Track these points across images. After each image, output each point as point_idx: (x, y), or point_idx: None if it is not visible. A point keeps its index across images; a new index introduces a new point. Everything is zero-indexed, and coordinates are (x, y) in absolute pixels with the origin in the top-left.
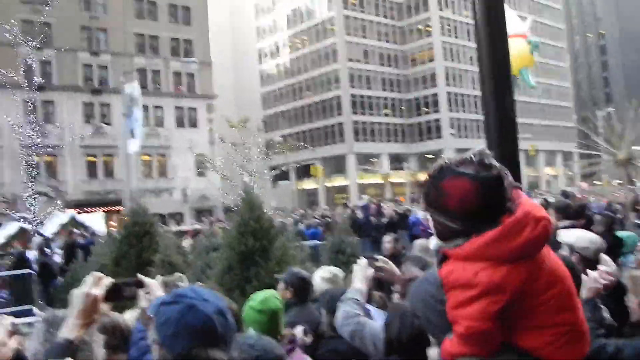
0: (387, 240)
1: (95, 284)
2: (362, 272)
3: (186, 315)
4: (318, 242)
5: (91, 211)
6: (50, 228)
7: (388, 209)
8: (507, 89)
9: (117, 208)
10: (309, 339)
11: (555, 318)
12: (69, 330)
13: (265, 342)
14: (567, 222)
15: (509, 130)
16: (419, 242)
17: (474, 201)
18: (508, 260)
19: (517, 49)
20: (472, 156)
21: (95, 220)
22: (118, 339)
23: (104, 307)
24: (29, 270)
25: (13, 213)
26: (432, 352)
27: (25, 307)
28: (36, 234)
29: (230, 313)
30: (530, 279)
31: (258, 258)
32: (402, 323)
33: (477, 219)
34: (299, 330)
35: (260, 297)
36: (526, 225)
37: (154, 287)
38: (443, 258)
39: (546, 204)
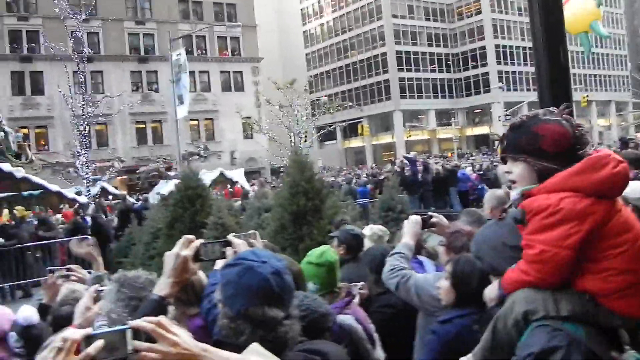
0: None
1: (185, 245)
2: (411, 227)
3: (244, 276)
4: (367, 200)
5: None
6: None
7: (436, 165)
8: (559, 39)
9: (169, 172)
10: (365, 291)
11: (629, 264)
12: (161, 288)
13: (310, 300)
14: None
15: (562, 82)
16: (490, 192)
17: (566, 140)
18: (590, 194)
19: (584, 5)
20: (553, 109)
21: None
22: (190, 294)
23: (194, 266)
24: (86, 236)
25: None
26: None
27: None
28: (89, 202)
29: (290, 273)
30: (607, 217)
31: (310, 217)
32: (484, 273)
33: (569, 157)
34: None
35: (318, 252)
36: (608, 163)
37: (242, 248)
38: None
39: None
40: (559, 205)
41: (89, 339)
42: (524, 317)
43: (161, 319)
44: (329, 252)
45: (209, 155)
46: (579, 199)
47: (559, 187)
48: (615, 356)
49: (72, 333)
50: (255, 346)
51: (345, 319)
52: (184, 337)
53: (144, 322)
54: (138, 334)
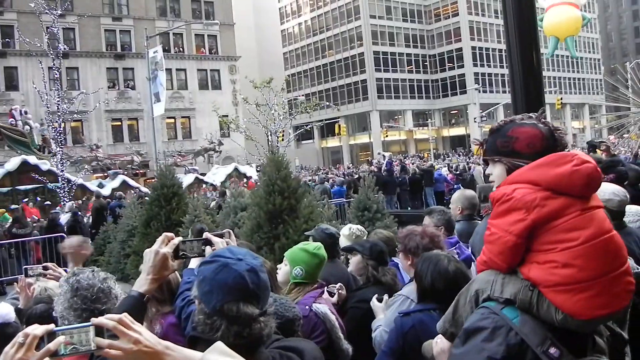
0: None
1: (164, 243)
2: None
3: (219, 273)
4: (343, 199)
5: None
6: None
7: (412, 165)
8: (533, 42)
9: (143, 171)
10: (343, 292)
11: (574, 260)
12: (140, 284)
13: (279, 304)
14: None
15: (535, 84)
16: (459, 192)
17: (539, 142)
18: (546, 187)
19: (569, 16)
20: (531, 114)
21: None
22: (164, 291)
23: (174, 264)
24: (61, 234)
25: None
26: None
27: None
28: (66, 199)
29: (265, 271)
30: (559, 213)
31: (286, 216)
32: (436, 271)
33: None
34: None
35: (315, 244)
36: (570, 160)
37: (221, 246)
38: None
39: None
40: (511, 194)
41: (51, 335)
42: (475, 294)
43: (123, 316)
44: (324, 249)
45: (186, 153)
46: (531, 191)
47: (518, 179)
48: (552, 353)
49: (34, 329)
50: (219, 344)
51: (320, 307)
52: (146, 334)
53: (106, 320)
54: (101, 330)
